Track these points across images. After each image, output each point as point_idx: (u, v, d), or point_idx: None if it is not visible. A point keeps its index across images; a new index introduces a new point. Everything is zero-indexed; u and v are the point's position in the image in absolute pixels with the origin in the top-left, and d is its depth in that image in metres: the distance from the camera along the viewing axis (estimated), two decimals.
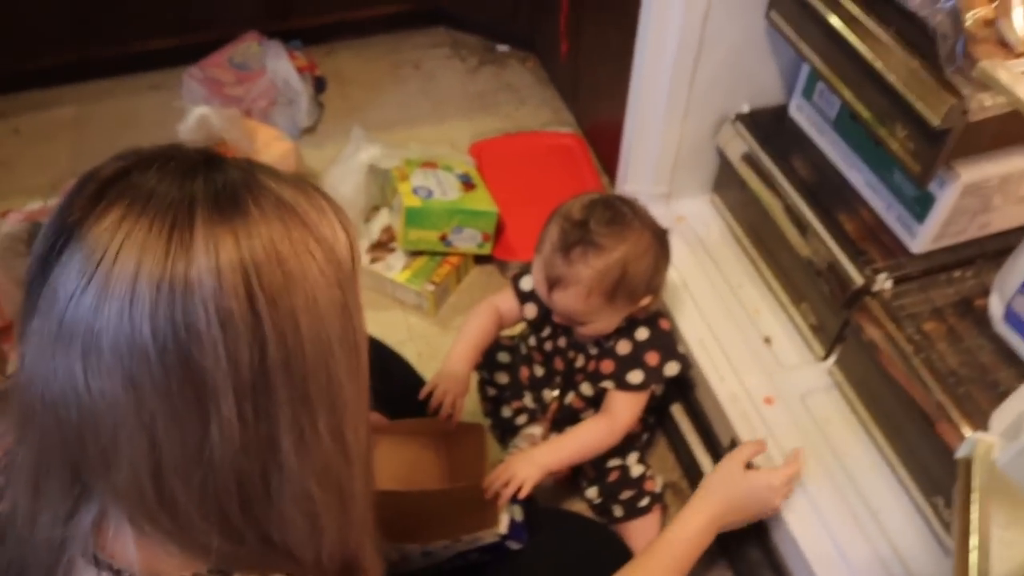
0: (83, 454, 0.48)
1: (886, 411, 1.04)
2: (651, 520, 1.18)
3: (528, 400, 1.28)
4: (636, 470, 1.18)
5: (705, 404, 1.17)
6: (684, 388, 1.23)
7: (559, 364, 1.19)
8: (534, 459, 1.03)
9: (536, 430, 1.25)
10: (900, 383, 0.98)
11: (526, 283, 1.15)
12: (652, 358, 1.10)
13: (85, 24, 1.86)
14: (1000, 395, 0.91)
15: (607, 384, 1.11)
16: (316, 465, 0.51)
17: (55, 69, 1.93)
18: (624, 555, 1.02)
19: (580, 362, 1.15)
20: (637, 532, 1.15)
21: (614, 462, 1.19)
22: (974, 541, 0.46)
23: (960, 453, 0.50)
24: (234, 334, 0.46)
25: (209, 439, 0.47)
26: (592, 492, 1.20)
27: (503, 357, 1.28)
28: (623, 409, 1.10)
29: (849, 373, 1.10)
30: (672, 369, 1.10)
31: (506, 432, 1.28)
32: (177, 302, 0.45)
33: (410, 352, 1.45)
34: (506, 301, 1.18)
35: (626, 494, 1.17)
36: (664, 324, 1.12)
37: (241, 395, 0.47)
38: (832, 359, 1.13)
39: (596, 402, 1.15)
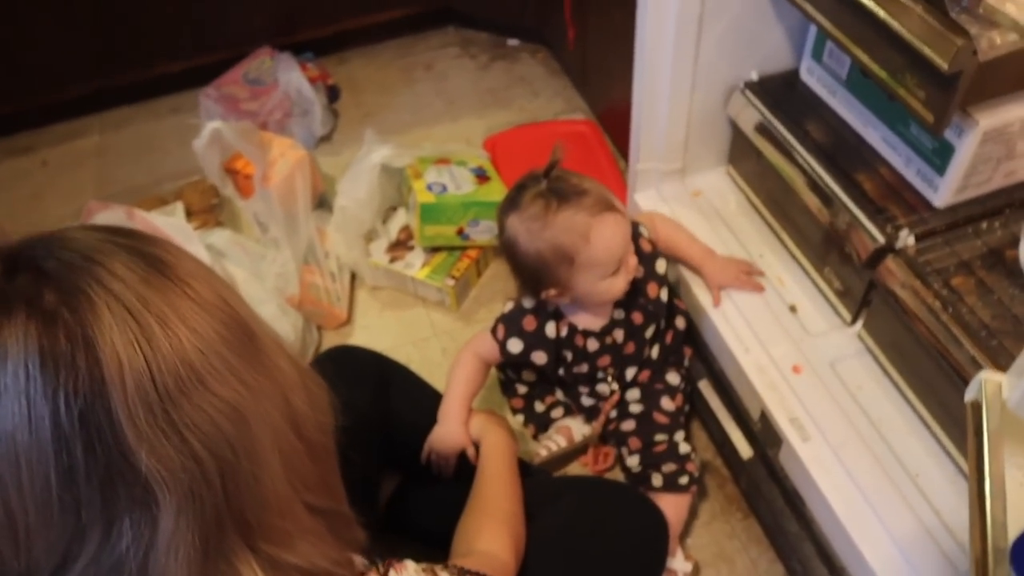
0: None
1: (919, 372, 1.00)
2: (685, 500, 1.15)
3: (560, 395, 1.27)
4: (683, 448, 1.16)
5: (732, 378, 1.15)
6: (709, 363, 1.20)
7: (604, 361, 1.17)
8: None
9: (570, 422, 1.24)
10: (931, 341, 0.94)
11: (514, 346, 1.12)
12: (645, 244, 1.13)
13: (104, 54, 1.91)
14: None
15: (663, 293, 1.14)
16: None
17: (78, 100, 1.98)
18: (653, 514, 1.00)
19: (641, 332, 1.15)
20: (669, 507, 1.09)
21: (661, 437, 1.17)
22: (988, 486, 0.43)
23: (968, 395, 0.47)
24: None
25: (286, 375, 0.54)
26: (633, 461, 1.18)
27: (539, 407, 1.27)
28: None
29: (878, 336, 1.07)
30: (644, 230, 1.14)
31: (540, 427, 1.27)
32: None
33: (434, 349, 1.46)
34: (483, 344, 1.15)
35: (669, 467, 1.14)
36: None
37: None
38: (860, 323, 1.10)
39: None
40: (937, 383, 0.96)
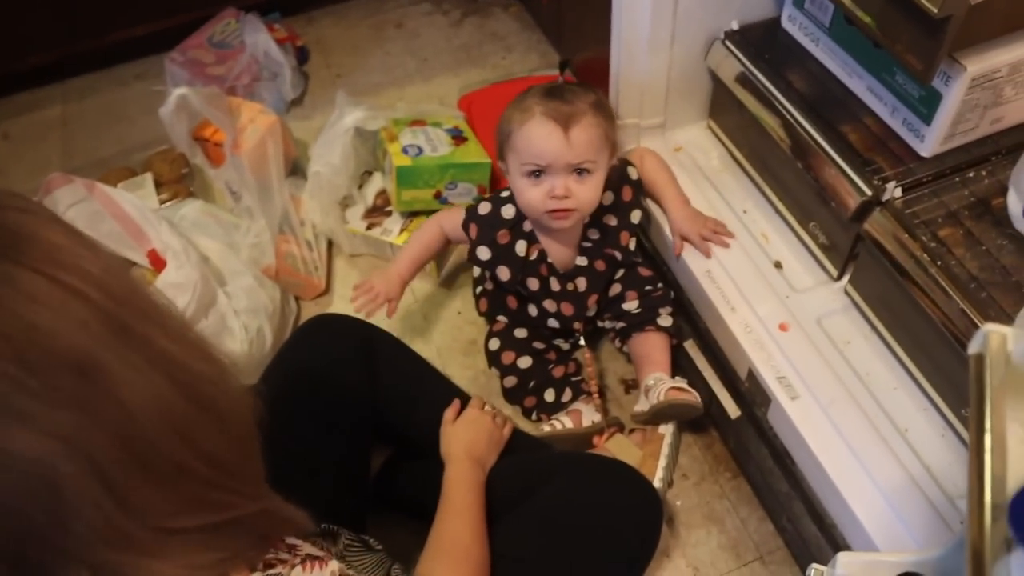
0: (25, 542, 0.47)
1: (907, 326, 0.99)
2: (665, 339, 1.21)
3: (565, 369, 1.25)
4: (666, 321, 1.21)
5: (719, 337, 1.13)
6: (695, 322, 1.18)
7: (568, 308, 1.16)
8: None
9: (581, 407, 1.22)
10: (919, 295, 0.93)
11: (482, 252, 1.15)
12: (626, 192, 1.16)
13: (64, 21, 1.83)
14: None
15: (632, 242, 1.16)
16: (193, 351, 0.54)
17: (39, 70, 1.91)
18: (647, 491, 0.99)
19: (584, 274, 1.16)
20: (665, 344, 1.20)
21: (651, 286, 1.21)
22: (987, 441, 0.42)
23: (972, 348, 0.45)
24: (60, 308, 0.46)
25: (125, 405, 0.48)
26: (631, 305, 1.19)
27: (520, 333, 1.25)
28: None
29: (865, 290, 1.05)
30: (633, 173, 1.17)
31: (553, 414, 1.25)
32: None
33: (416, 316, 1.44)
34: (450, 222, 1.20)
35: (667, 309, 1.20)
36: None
37: (111, 346, 0.47)
38: (846, 278, 1.09)
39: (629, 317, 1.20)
40: (925, 337, 0.95)
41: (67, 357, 0.46)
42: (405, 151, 1.42)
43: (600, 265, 1.16)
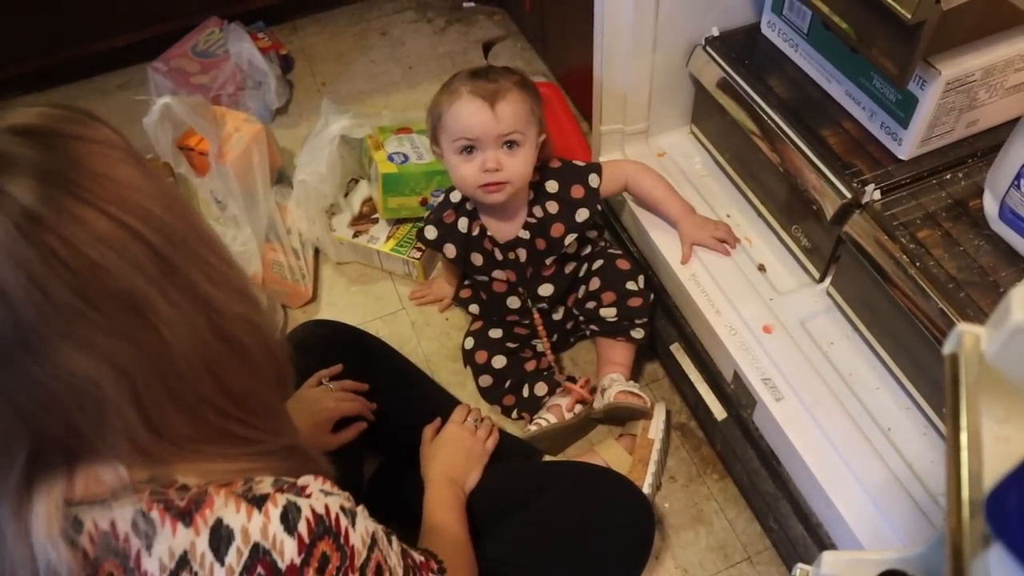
0: (69, 434, 0.52)
1: (888, 326, 1.01)
2: (631, 347, 1.25)
3: (532, 364, 1.26)
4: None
5: (704, 340, 1.14)
6: (680, 325, 1.20)
7: (511, 275, 1.22)
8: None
9: (560, 400, 1.23)
10: (899, 296, 0.94)
11: (429, 232, 1.23)
12: (577, 191, 1.18)
13: (46, 31, 1.83)
14: (1002, 296, 0.88)
15: (569, 239, 1.18)
16: (233, 293, 0.57)
17: (20, 79, 1.90)
18: (638, 499, 1.00)
19: (533, 259, 1.20)
20: (630, 354, 1.26)
21: (631, 285, 1.21)
22: (964, 439, 0.43)
23: (946, 349, 0.47)
24: (119, 247, 0.50)
25: (166, 340, 0.52)
26: (609, 312, 1.21)
27: (495, 334, 1.28)
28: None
29: (847, 292, 1.07)
30: (594, 180, 1.19)
31: (533, 411, 1.26)
32: (63, 254, 0.48)
33: (404, 322, 1.44)
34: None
35: (642, 320, 1.23)
36: (553, 163, 1.21)
37: (163, 289, 0.52)
38: (828, 280, 1.10)
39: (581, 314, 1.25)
40: (906, 337, 0.96)
41: (122, 295, 0.50)
42: (391, 158, 1.42)
43: (541, 244, 1.19)
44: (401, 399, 1.14)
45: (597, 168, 1.20)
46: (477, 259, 1.22)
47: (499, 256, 1.20)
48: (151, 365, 0.52)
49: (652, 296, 1.23)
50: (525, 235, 1.18)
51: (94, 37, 1.88)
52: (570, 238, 1.18)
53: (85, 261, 0.49)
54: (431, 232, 1.23)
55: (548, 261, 1.21)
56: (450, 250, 1.22)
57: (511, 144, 1.09)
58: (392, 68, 1.91)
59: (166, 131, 1.48)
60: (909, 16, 0.83)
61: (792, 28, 1.13)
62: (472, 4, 2.02)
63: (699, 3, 1.18)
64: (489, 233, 1.19)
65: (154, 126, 1.45)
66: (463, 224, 1.20)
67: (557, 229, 1.18)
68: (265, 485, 0.57)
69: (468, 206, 1.21)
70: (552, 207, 1.18)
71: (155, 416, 0.54)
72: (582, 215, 1.18)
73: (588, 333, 1.29)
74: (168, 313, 0.52)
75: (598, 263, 1.23)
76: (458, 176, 1.12)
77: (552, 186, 1.18)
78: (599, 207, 1.19)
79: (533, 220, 1.18)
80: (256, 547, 0.54)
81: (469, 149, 1.09)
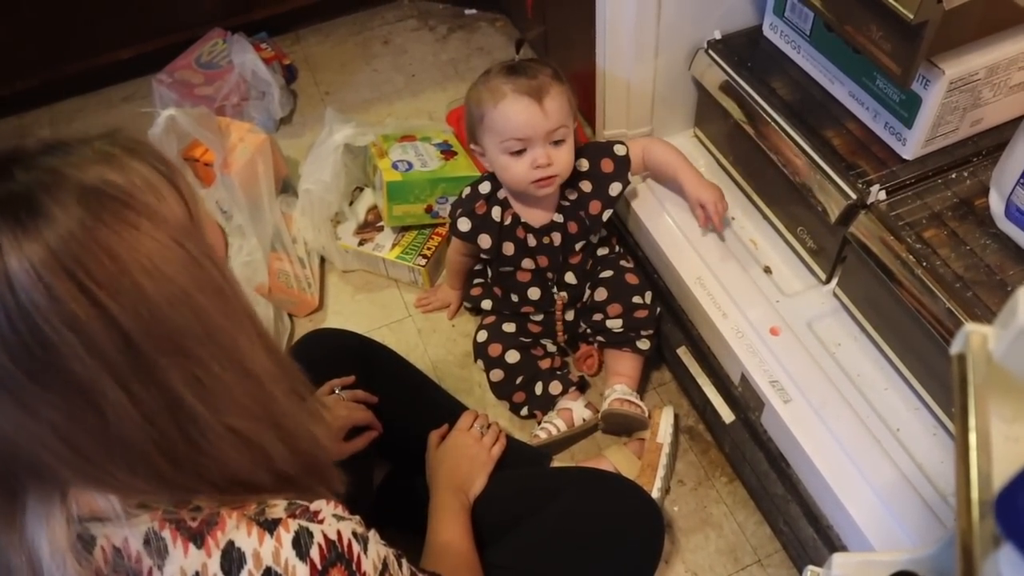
0: (11, 472, 0.52)
1: (895, 327, 1.00)
2: (638, 359, 1.26)
3: (551, 362, 1.27)
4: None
5: (711, 343, 1.14)
6: (688, 329, 1.19)
7: (543, 261, 1.22)
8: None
9: (571, 403, 1.23)
10: (906, 296, 0.94)
11: (463, 224, 1.21)
12: (607, 164, 1.19)
13: (52, 44, 1.84)
14: (1010, 294, 0.88)
15: (606, 215, 1.20)
16: (229, 403, 0.54)
17: (27, 93, 1.91)
18: (648, 505, 1.00)
19: (567, 245, 1.21)
20: (639, 365, 1.27)
21: (638, 299, 1.22)
22: (973, 439, 0.43)
23: (954, 349, 0.46)
24: (86, 332, 0.48)
25: (111, 422, 0.50)
26: (615, 324, 1.22)
27: (508, 328, 1.27)
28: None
29: (853, 293, 1.07)
30: (620, 149, 1.20)
31: (544, 409, 1.26)
32: (18, 323, 0.46)
33: (410, 330, 1.44)
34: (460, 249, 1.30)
35: (648, 332, 1.24)
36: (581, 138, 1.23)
37: (121, 379, 0.49)
38: (835, 281, 1.10)
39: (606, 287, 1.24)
40: (914, 337, 0.96)
41: (70, 377, 0.49)
42: (395, 166, 1.43)
43: (572, 227, 1.20)
44: (408, 406, 1.14)
45: (619, 141, 1.21)
46: (508, 248, 1.22)
47: (532, 242, 1.21)
48: (92, 438, 0.51)
49: (659, 310, 1.24)
50: (559, 218, 1.19)
51: (99, 50, 1.89)
52: (607, 214, 1.20)
53: (39, 338, 0.47)
54: (464, 224, 1.21)
55: (578, 247, 1.22)
56: (484, 240, 1.21)
57: (557, 140, 1.10)
58: (395, 76, 1.91)
59: (171, 143, 1.49)
60: (911, 16, 0.83)
61: (794, 30, 1.13)
62: (474, 11, 2.03)
63: (701, 6, 1.18)
64: (523, 220, 1.20)
65: (159, 138, 1.46)
66: (496, 213, 1.19)
67: (595, 206, 1.19)
68: (278, 509, 0.57)
69: (499, 195, 1.20)
70: (586, 186, 1.19)
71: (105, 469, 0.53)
72: (615, 189, 1.19)
73: (596, 344, 1.29)
74: (121, 403, 0.50)
75: (607, 273, 1.23)
76: (509, 175, 1.12)
77: (583, 164, 1.19)
78: (629, 181, 1.20)
79: (567, 203, 1.19)
80: (268, 571, 0.54)
81: (520, 150, 1.10)
